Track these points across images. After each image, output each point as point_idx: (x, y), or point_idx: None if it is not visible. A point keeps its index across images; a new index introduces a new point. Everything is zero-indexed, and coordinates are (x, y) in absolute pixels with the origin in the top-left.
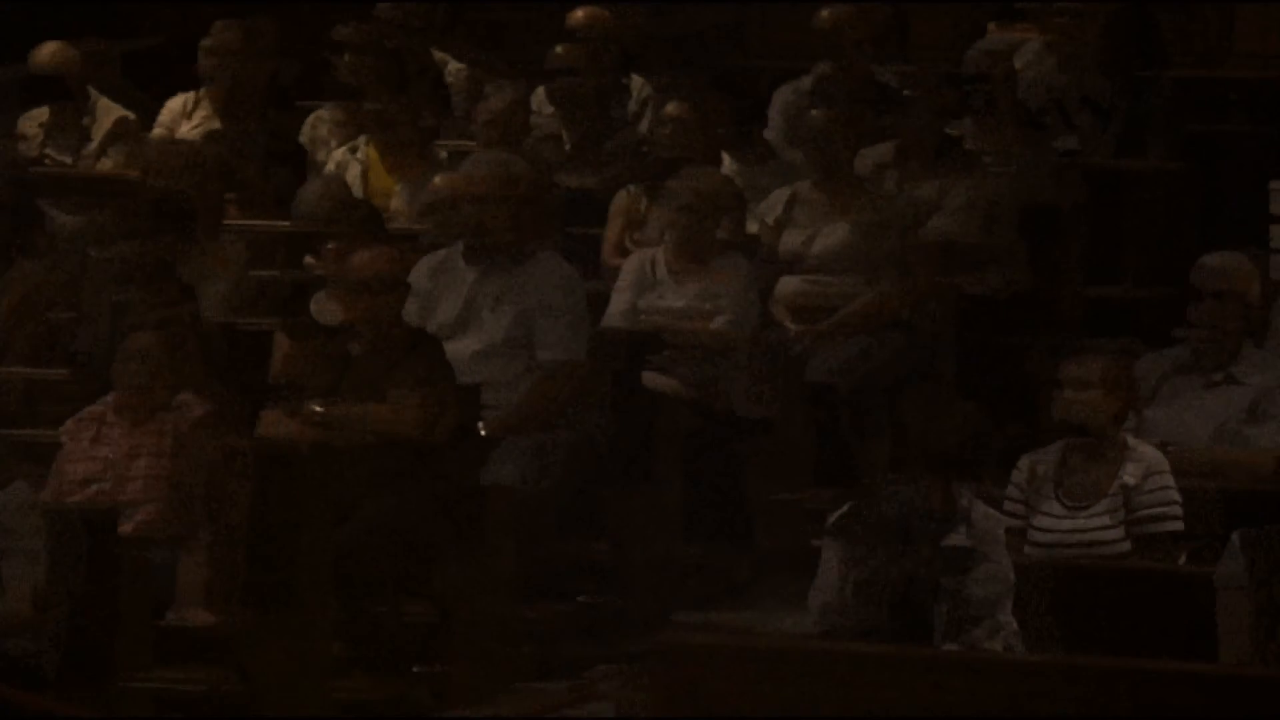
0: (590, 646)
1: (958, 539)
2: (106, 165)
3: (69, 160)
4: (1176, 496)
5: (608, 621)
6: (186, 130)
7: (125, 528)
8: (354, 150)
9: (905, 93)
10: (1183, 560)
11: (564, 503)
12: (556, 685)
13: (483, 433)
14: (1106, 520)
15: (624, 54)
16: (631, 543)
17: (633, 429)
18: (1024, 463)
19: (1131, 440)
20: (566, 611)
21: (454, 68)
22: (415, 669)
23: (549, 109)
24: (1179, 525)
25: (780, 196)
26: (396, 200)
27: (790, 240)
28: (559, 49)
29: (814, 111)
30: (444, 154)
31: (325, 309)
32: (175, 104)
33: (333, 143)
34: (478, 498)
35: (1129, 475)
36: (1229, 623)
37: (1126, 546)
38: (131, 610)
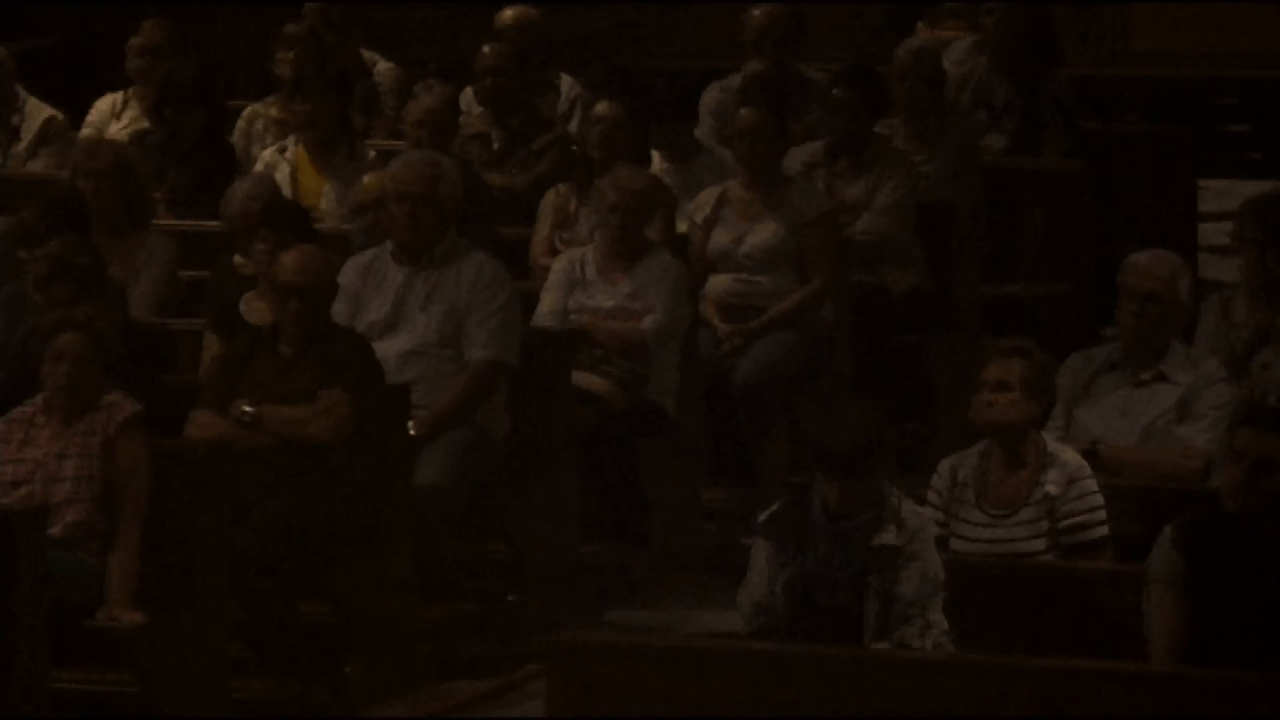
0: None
1: (887, 537)
2: (36, 166)
3: None
4: (1100, 502)
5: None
6: (115, 130)
7: (54, 529)
8: (282, 150)
9: (834, 91)
10: (1108, 561)
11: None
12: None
13: (412, 432)
14: (1027, 530)
15: (552, 53)
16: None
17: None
18: (944, 467)
19: (1052, 445)
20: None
21: (383, 67)
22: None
23: (478, 109)
24: (1104, 531)
25: (710, 195)
26: (325, 200)
27: (720, 239)
28: (486, 49)
29: (743, 110)
30: (372, 154)
31: (254, 309)
32: (104, 104)
33: (267, 139)
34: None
35: (1051, 483)
36: (1159, 617)
37: (1050, 557)
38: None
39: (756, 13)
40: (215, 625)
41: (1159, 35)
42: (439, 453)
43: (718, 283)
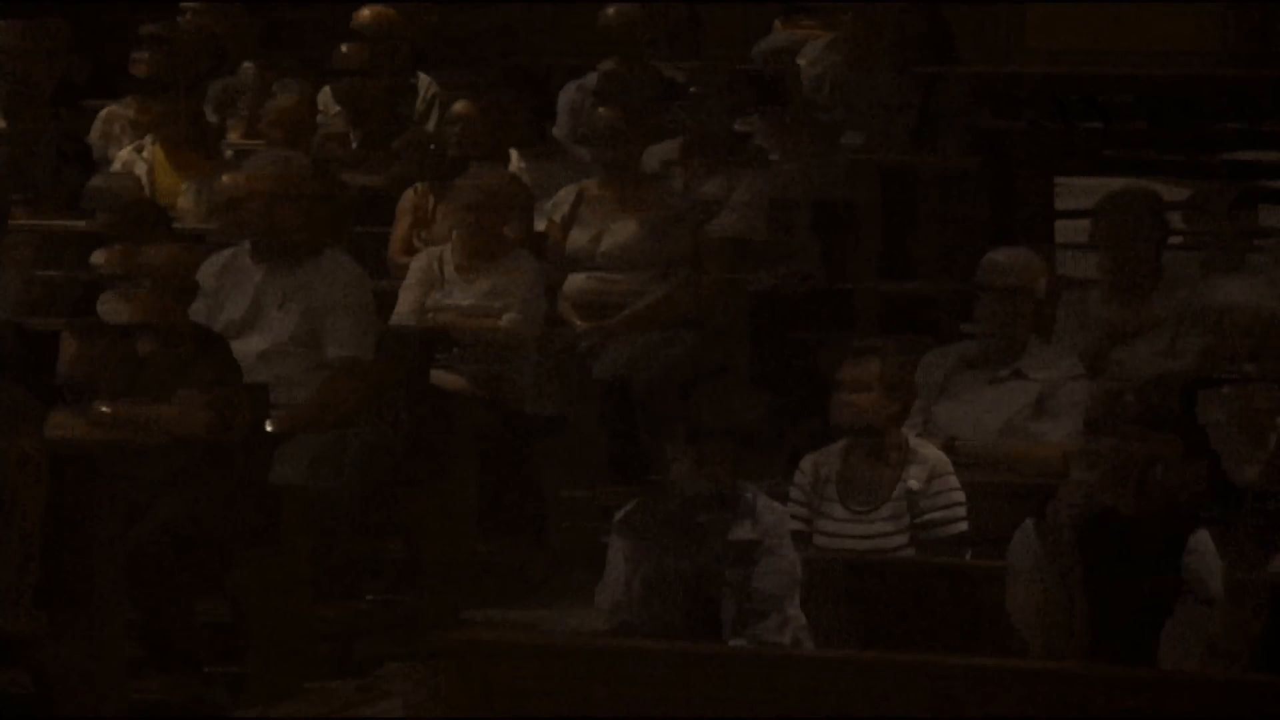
0: (385, 645)
1: (743, 532)
2: None
3: None
4: (961, 498)
5: (403, 619)
6: None
7: None
8: (139, 150)
9: (692, 89)
10: (969, 556)
11: (358, 501)
12: (350, 684)
13: (270, 430)
14: (890, 525)
15: (414, 53)
16: (426, 540)
17: (426, 427)
18: (806, 464)
19: (914, 441)
20: (361, 610)
21: (244, 66)
22: (210, 669)
23: (335, 108)
24: (964, 527)
25: (568, 194)
26: (183, 199)
27: (578, 238)
28: (345, 48)
29: (600, 109)
30: (230, 153)
31: (113, 308)
32: None
33: (125, 140)
34: (271, 497)
35: (913, 479)
36: (1020, 610)
37: (910, 552)
38: None
39: (610, 11)
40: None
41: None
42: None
43: (576, 281)
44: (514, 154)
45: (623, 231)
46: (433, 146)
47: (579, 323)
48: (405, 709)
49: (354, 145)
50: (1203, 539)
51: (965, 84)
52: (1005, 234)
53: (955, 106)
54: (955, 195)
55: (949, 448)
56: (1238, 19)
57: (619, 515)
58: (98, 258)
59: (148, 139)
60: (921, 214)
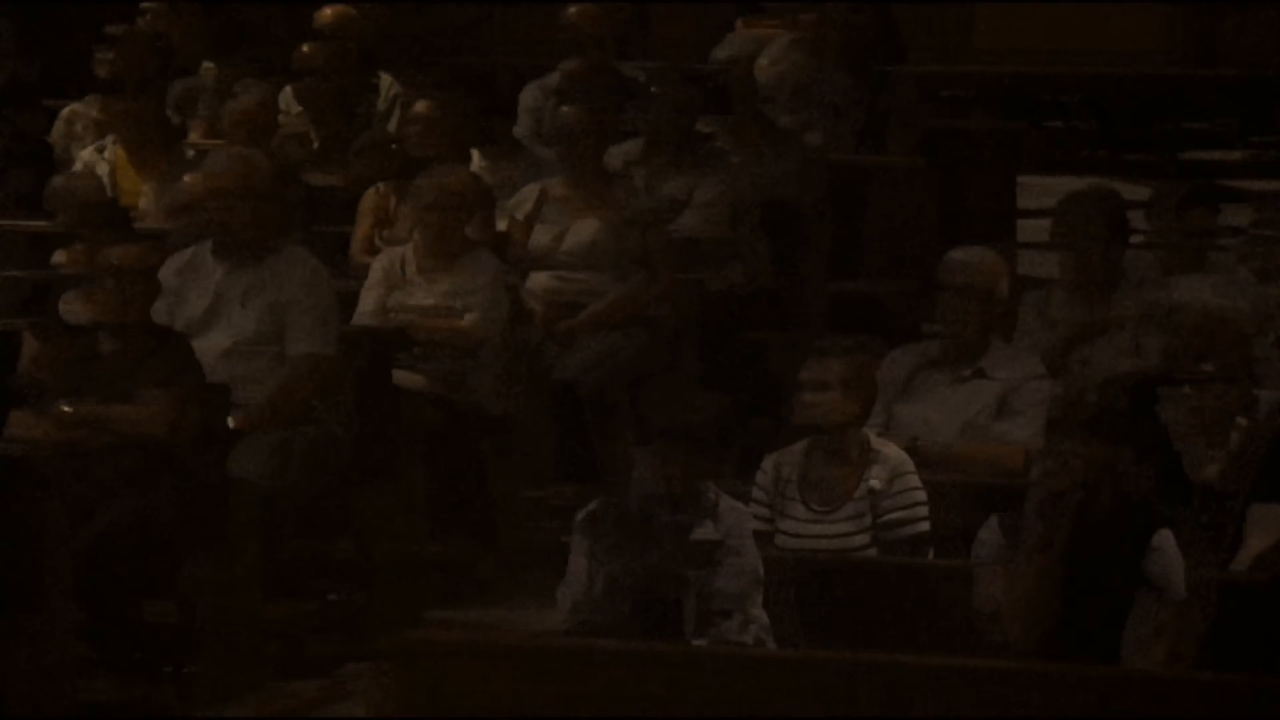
0: (335, 644)
1: (705, 532)
2: None
3: None
4: (923, 498)
5: (353, 619)
6: None
7: None
8: (101, 150)
9: (653, 89)
10: (930, 556)
11: (308, 500)
12: (313, 683)
13: (232, 425)
14: (852, 525)
15: (363, 53)
16: (376, 540)
17: (377, 426)
18: (768, 463)
19: (875, 440)
20: (312, 610)
21: (205, 67)
22: (160, 669)
23: (297, 108)
24: (925, 527)
25: (530, 193)
26: (145, 199)
27: (540, 237)
28: (305, 48)
29: (563, 108)
30: (192, 153)
31: (73, 308)
32: None
33: (87, 139)
34: (222, 496)
35: (875, 479)
36: (986, 604)
37: (873, 551)
38: None
39: (571, 11)
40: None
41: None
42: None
43: (538, 280)
44: (475, 153)
45: (585, 230)
46: (394, 146)
47: (541, 322)
48: (367, 709)
49: (315, 145)
50: (1165, 538)
51: (913, 83)
52: (954, 233)
53: (903, 106)
54: (902, 195)
55: (911, 447)
56: (1186, 19)
57: (581, 514)
58: (59, 257)
59: (109, 139)
60: (870, 213)
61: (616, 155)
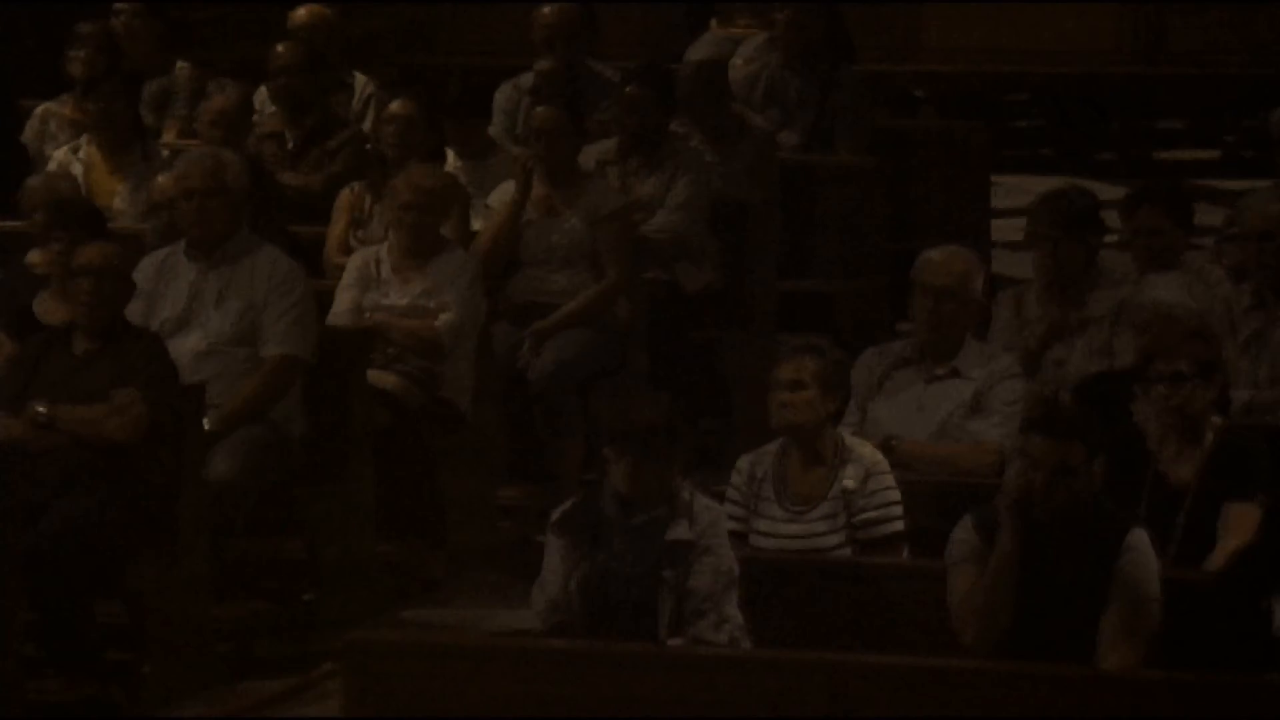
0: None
1: (680, 532)
2: None
3: None
4: (897, 497)
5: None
6: None
7: None
8: (75, 150)
9: (627, 89)
10: (905, 555)
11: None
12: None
13: (207, 427)
14: (826, 525)
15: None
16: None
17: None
18: (743, 464)
19: (849, 440)
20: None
21: (179, 66)
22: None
23: (271, 108)
24: (900, 526)
25: (506, 191)
26: (119, 199)
27: None
28: (280, 48)
29: (538, 108)
30: (166, 153)
31: (48, 308)
32: None
33: (61, 138)
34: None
35: (849, 478)
36: (969, 598)
37: (847, 551)
38: None
39: (545, 10)
40: (8, 626)
41: (952, 32)
42: (232, 449)
43: (513, 279)
44: (450, 153)
45: (560, 229)
46: (369, 146)
47: (515, 321)
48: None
49: (290, 145)
50: (1139, 537)
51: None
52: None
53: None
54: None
55: (885, 447)
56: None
57: (555, 514)
58: (34, 257)
59: (83, 139)
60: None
61: (590, 155)
